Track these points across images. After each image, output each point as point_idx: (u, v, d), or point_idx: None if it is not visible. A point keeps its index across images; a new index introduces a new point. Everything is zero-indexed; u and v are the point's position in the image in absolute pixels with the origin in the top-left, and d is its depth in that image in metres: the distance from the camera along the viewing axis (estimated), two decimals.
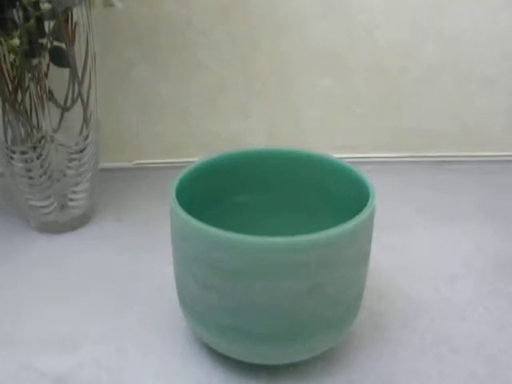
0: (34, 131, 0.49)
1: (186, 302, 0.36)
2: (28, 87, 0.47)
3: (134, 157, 0.70)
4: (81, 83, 0.50)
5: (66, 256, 0.51)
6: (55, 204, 0.53)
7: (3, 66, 0.46)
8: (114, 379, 0.37)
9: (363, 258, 0.35)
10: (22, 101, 0.47)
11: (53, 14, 0.45)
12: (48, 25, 0.46)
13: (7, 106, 0.48)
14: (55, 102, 0.49)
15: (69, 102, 0.50)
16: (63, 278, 0.48)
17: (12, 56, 0.45)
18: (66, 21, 0.47)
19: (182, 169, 0.39)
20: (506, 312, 0.43)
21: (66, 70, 0.48)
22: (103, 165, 0.62)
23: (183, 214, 0.33)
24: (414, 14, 0.64)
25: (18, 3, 0.43)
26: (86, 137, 0.52)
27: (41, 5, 0.43)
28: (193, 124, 0.68)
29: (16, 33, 0.43)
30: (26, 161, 0.50)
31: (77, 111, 0.51)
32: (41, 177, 0.51)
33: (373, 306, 0.44)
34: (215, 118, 0.68)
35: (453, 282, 0.47)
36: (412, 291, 0.46)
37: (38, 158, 0.50)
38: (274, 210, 0.45)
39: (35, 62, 0.46)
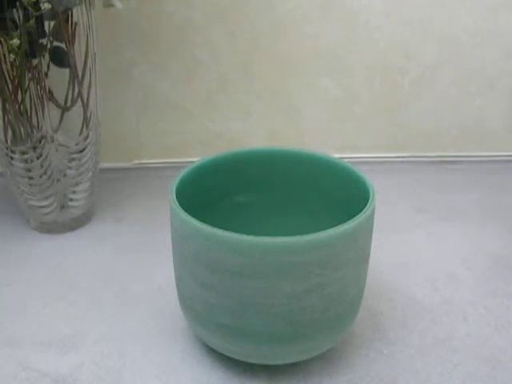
0: (34, 131, 0.49)
1: (186, 302, 0.36)
2: (28, 87, 0.47)
3: (134, 157, 0.70)
4: (81, 83, 0.50)
5: (66, 256, 0.51)
6: (55, 204, 0.53)
7: (3, 65, 0.46)
8: (114, 379, 0.37)
9: (363, 257, 0.35)
10: (22, 101, 0.47)
11: (53, 14, 0.45)
12: (48, 25, 0.46)
13: (7, 106, 0.48)
14: (55, 102, 0.49)
15: (69, 102, 0.50)
16: (63, 278, 0.48)
17: (12, 56, 0.45)
18: (66, 21, 0.47)
19: (181, 169, 0.39)
20: (505, 312, 0.43)
21: (66, 70, 0.48)
22: (103, 165, 0.62)
23: (183, 214, 0.33)
24: (414, 13, 0.64)
25: (17, 3, 0.43)
26: (86, 137, 0.52)
27: (41, 5, 0.43)
28: (193, 124, 0.68)
29: (16, 33, 0.43)
30: (26, 161, 0.50)
31: (77, 111, 0.51)
32: (41, 177, 0.51)
33: (373, 306, 0.44)
34: (215, 117, 0.68)
35: (453, 282, 0.47)
36: (412, 291, 0.46)
37: (38, 158, 0.50)
38: (274, 210, 0.45)
39: (35, 62, 0.46)
